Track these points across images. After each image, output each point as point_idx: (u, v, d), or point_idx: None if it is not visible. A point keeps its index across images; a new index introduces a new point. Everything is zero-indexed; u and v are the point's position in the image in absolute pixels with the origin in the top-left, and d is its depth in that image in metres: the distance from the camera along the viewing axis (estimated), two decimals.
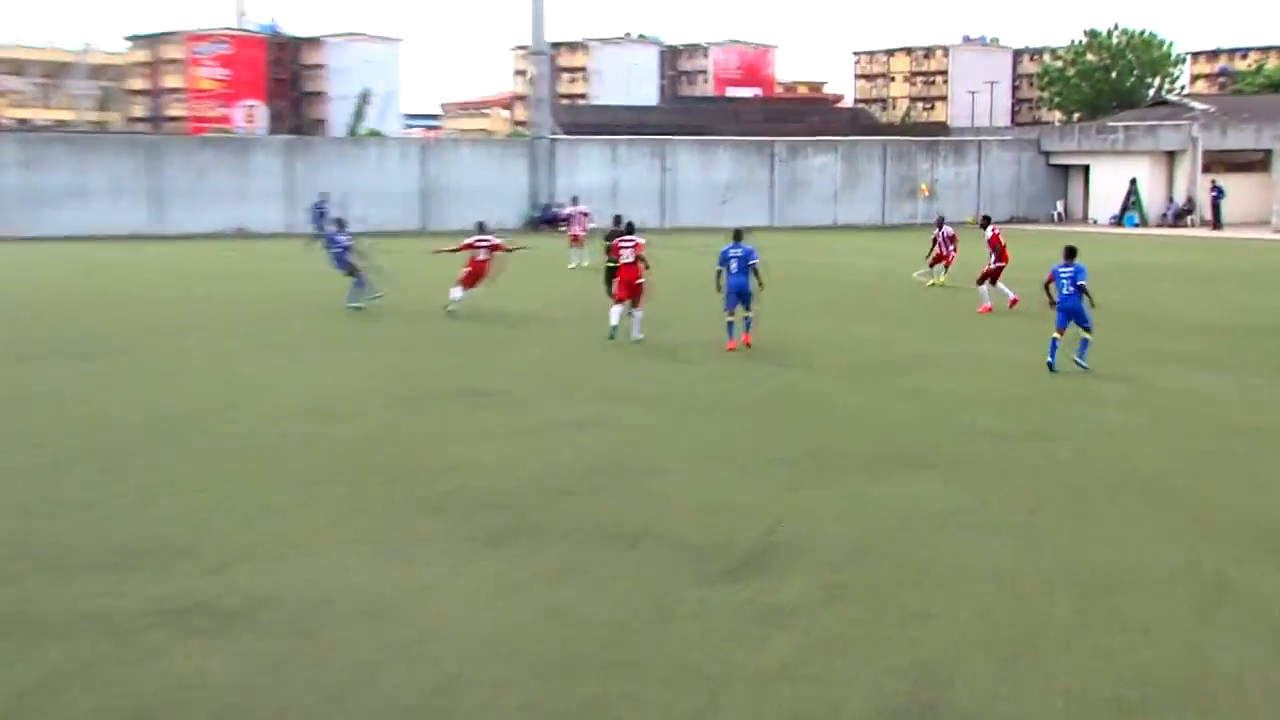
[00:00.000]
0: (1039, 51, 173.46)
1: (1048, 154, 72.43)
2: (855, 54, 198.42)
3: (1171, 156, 67.54)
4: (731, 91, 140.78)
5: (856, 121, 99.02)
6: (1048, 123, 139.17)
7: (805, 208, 67.49)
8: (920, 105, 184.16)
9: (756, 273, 24.20)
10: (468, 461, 15.15)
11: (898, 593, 10.76)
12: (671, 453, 15.67)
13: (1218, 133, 67.20)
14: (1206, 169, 65.93)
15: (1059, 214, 70.93)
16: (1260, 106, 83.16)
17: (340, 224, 31.74)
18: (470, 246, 29.57)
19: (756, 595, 10.67)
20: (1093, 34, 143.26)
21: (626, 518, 12.88)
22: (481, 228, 30.45)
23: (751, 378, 21.15)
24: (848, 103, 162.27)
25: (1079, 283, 21.47)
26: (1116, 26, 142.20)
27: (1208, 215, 63.79)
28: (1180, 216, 65.70)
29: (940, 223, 36.01)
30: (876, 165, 69.44)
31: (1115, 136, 70.60)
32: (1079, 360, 21.53)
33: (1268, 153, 63.68)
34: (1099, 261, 42.37)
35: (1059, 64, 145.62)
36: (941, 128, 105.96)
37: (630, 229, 26.75)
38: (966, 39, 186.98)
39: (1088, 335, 21.58)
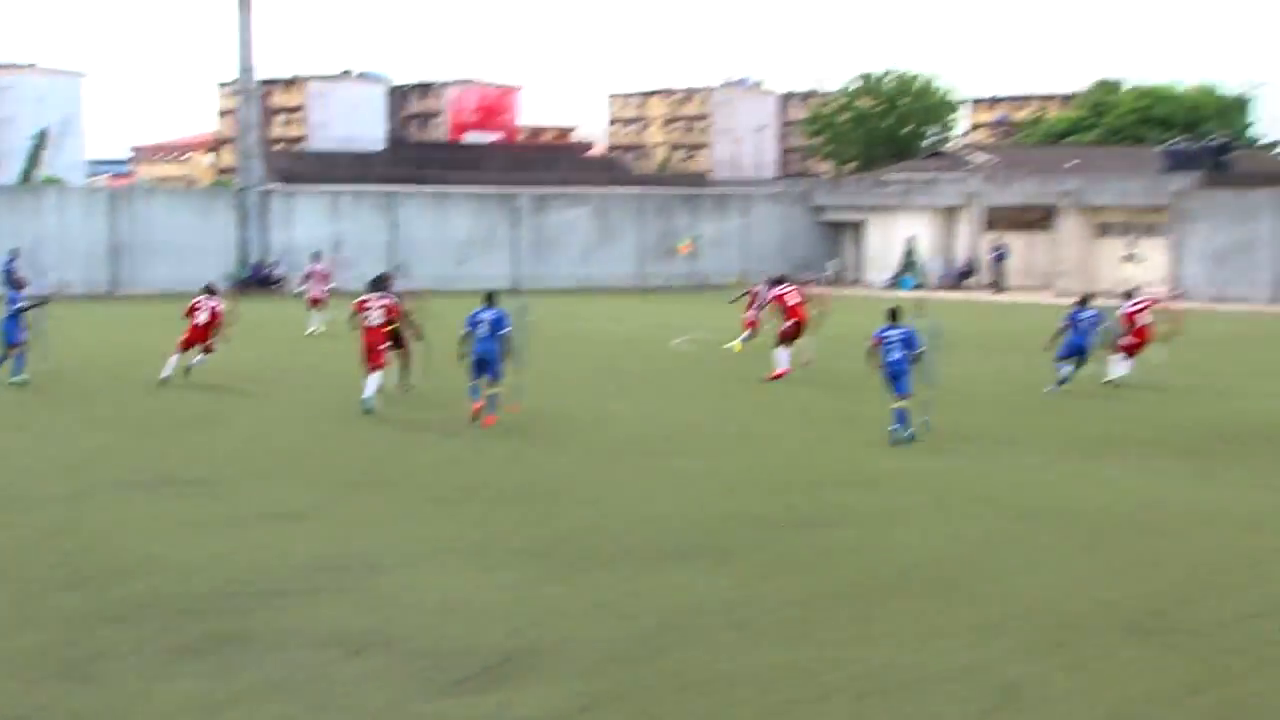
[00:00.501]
0: (809, 96, 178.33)
1: (819, 209, 73.89)
2: (609, 96, 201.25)
3: (951, 212, 69.74)
4: (470, 137, 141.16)
5: (610, 171, 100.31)
6: (819, 174, 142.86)
7: (554, 267, 67.75)
8: (681, 153, 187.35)
9: (506, 342, 24.36)
10: (161, 561, 14.76)
11: (658, 702, 10.82)
12: (402, 546, 15.52)
13: (999, 187, 69.66)
14: (988, 226, 68.28)
15: (831, 275, 72.49)
16: (1042, 159, 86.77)
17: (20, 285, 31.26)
18: (192, 310, 29.68)
19: (498, 709, 10.61)
20: (867, 78, 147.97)
21: (349, 622, 12.69)
22: (210, 290, 30.66)
23: (494, 459, 21.11)
24: (601, 150, 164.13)
25: (914, 348, 22.63)
26: (889, 72, 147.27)
27: (990, 276, 66.14)
28: (961, 278, 67.95)
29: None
30: (632, 220, 70.16)
31: (891, 191, 72.67)
32: (898, 430, 22.41)
33: (1051, 209, 66.13)
34: (868, 330, 43.45)
35: (831, 110, 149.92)
36: (703, 178, 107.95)
37: (380, 284, 27.09)
38: (730, 82, 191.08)
39: (903, 404, 22.50)
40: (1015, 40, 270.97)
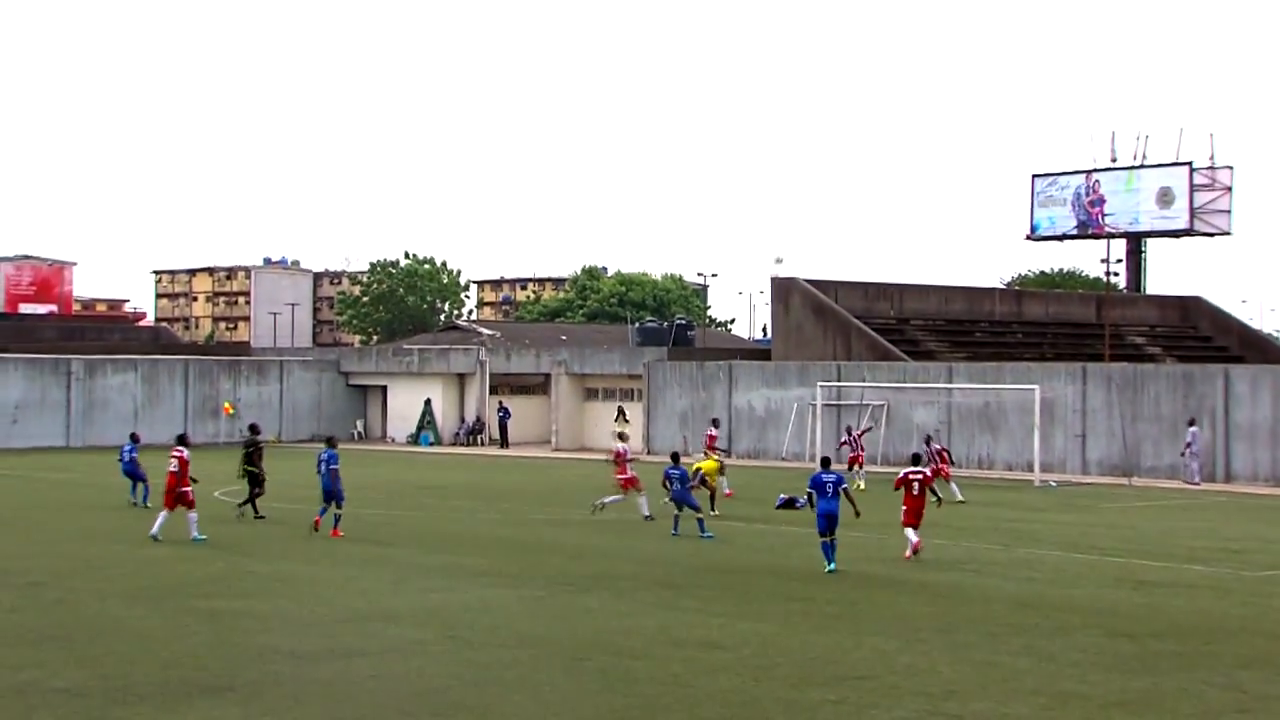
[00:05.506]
0: (339, 275, 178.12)
1: (347, 374, 73.78)
2: (155, 273, 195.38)
3: (462, 378, 70.71)
4: (25, 308, 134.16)
5: (158, 340, 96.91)
6: (347, 344, 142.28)
7: (105, 427, 64.56)
8: (223, 325, 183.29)
9: None
10: None
11: None
12: None
13: (503, 357, 71.14)
14: (494, 390, 69.51)
15: (359, 433, 72.17)
16: (539, 333, 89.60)
17: None
18: None
19: None
20: (387, 262, 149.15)
21: None
22: None
23: (26, 603, 19.76)
24: (149, 321, 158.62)
25: (842, 488, 23.94)
26: (408, 254, 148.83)
27: (496, 434, 67.07)
28: (471, 435, 68.64)
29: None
30: (179, 384, 67.95)
31: (410, 359, 73.05)
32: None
33: (546, 376, 68.07)
34: (398, 480, 43.27)
35: (356, 289, 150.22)
36: (244, 347, 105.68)
37: None
38: (268, 261, 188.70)
39: (832, 537, 23.72)
40: (515, 229, 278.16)
